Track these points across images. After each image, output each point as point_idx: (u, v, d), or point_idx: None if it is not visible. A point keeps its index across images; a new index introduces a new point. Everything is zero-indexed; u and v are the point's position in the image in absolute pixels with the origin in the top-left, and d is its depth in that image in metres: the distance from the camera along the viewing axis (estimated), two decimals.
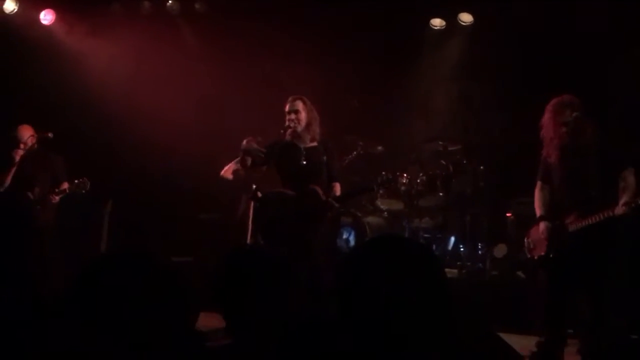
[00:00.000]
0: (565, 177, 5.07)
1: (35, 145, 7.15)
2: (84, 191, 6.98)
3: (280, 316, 2.27)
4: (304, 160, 5.87)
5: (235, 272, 2.28)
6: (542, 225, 5.17)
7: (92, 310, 1.80)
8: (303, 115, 5.91)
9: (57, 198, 7.02)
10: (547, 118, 5.15)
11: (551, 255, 5.08)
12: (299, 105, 5.92)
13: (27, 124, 7.22)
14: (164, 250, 8.09)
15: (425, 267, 1.69)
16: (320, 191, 5.80)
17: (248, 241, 6.81)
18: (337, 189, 5.97)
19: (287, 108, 5.94)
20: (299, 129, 5.89)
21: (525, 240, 5.44)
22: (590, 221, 4.86)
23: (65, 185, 7.05)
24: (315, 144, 5.96)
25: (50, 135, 7.10)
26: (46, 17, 8.91)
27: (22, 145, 7.11)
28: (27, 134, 7.13)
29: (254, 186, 5.96)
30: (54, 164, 7.21)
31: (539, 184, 5.36)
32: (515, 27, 7.92)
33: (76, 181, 6.96)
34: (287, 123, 5.89)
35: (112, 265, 1.91)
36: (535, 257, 5.25)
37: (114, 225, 8.30)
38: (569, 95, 5.15)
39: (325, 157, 5.90)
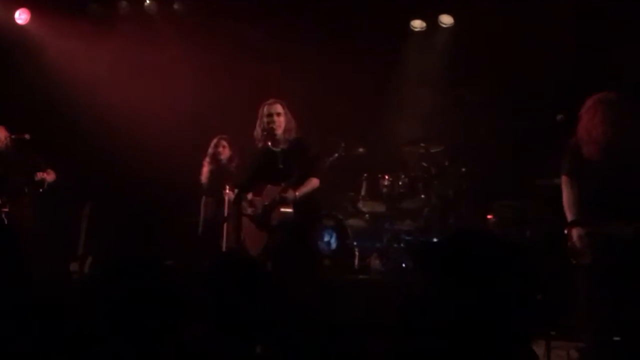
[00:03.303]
0: (610, 177, 4.66)
1: (10, 146, 7.00)
2: (41, 190, 6.84)
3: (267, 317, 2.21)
4: (281, 165, 5.74)
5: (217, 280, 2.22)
6: (576, 233, 4.68)
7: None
8: (283, 119, 5.76)
9: (39, 190, 6.87)
10: (592, 114, 4.74)
11: (596, 267, 4.64)
12: (279, 108, 5.77)
13: (1, 124, 7.07)
14: (145, 254, 7.97)
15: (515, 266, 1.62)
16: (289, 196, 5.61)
17: (224, 243, 6.79)
18: (309, 184, 5.65)
19: (265, 111, 5.77)
20: (278, 132, 5.74)
21: (568, 242, 4.84)
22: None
23: (51, 174, 6.90)
24: (288, 145, 5.79)
25: (27, 136, 6.96)
26: (21, 16, 8.78)
27: None
28: (1, 134, 6.99)
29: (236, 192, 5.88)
30: (29, 161, 7.06)
31: (566, 179, 4.80)
32: (496, 28, 7.93)
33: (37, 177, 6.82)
34: (266, 125, 5.74)
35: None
36: (581, 264, 4.72)
37: (93, 227, 8.17)
38: (615, 92, 4.83)
39: (298, 158, 5.69)
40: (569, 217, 4.75)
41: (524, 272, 1.60)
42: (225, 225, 6.90)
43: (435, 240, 7.41)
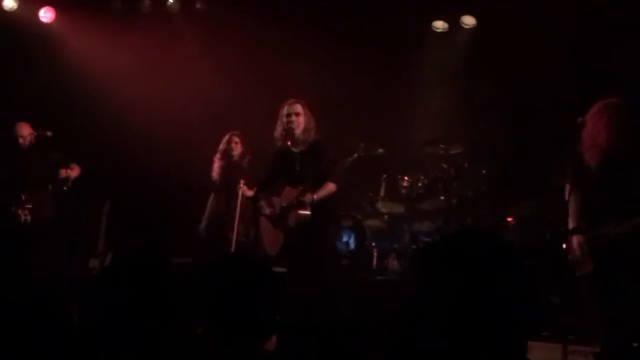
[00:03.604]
0: (605, 182, 4.69)
1: (34, 143, 7.08)
2: (65, 187, 6.90)
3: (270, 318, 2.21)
4: (298, 166, 5.77)
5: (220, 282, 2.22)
6: (575, 240, 4.70)
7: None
8: (302, 119, 5.79)
9: (63, 187, 6.94)
10: (597, 119, 4.75)
11: (598, 271, 4.64)
12: (299, 108, 5.81)
13: (26, 121, 7.15)
14: (162, 252, 8.03)
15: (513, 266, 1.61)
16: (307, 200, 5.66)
17: (234, 238, 6.82)
18: (326, 188, 5.71)
19: (285, 110, 5.80)
20: (297, 132, 5.77)
21: (569, 256, 4.86)
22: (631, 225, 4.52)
23: (75, 169, 6.98)
24: (306, 147, 5.82)
25: (49, 133, 7.02)
26: (46, 14, 8.86)
27: (21, 141, 7.03)
28: (25, 131, 7.06)
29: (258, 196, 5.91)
30: (52, 157, 7.12)
31: (570, 188, 4.83)
32: (518, 29, 7.87)
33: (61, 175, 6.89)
34: (285, 125, 5.77)
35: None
36: (581, 274, 4.74)
37: (112, 225, 8.24)
38: (617, 98, 4.85)
39: (315, 161, 5.74)
40: (570, 226, 4.77)
41: (522, 272, 1.59)
42: (237, 219, 6.91)
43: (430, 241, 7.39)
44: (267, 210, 5.83)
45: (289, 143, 5.83)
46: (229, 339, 2.07)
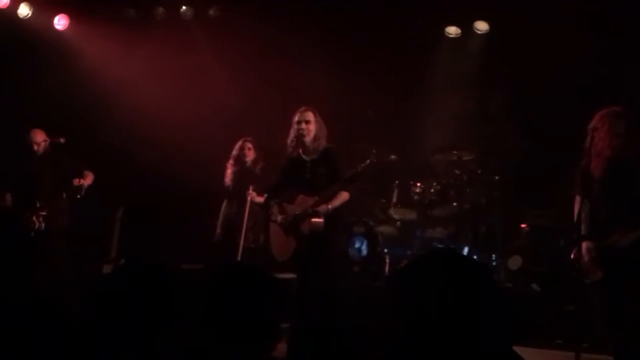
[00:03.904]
0: (610, 192, 4.68)
1: (48, 149, 7.13)
2: (79, 196, 6.94)
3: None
4: (309, 174, 5.81)
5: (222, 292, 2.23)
6: (585, 247, 4.67)
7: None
8: (313, 127, 5.84)
9: (77, 195, 6.97)
10: (599, 128, 4.73)
11: (606, 279, 4.62)
12: (310, 115, 5.85)
13: (40, 128, 7.21)
14: (174, 258, 8.07)
15: (483, 287, 1.63)
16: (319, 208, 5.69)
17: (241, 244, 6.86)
18: (340, 197, 5.77)
19: (296, 118, 5.85)
20: (308, 139, 5.81)
21: (576, 264, 4.78)
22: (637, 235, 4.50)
23: (89, 176, 7.02)
24: (317, 155, 5.86)
25: (62, 140, 7.06)
26: (60, 22, 8.93)
27: (35, 147, 7.09)
28: (39, 138, 7.12)
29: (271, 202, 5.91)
30: (66, 164, 7.17)
31: (578, 198, 4.83)
32: (531, 35, 7.84)
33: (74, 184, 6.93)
34: (296, 133, 5.82)
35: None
36: (590, 282, 4.71)
37: (125, 231, 8.28)
38: (620, 106, 4.82)
39: (326, 169, 5.78)
40: (579, 234, 4.72)
41: (493, 292, 1.61)
42: (244, 225, 6.93)
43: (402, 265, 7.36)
44: (279, 217, 5.84)
45: (300, 150, 5.86)
46: (231, 345, 2.07)
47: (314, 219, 5.66)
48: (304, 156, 5.87)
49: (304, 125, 5.79)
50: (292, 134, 5.88)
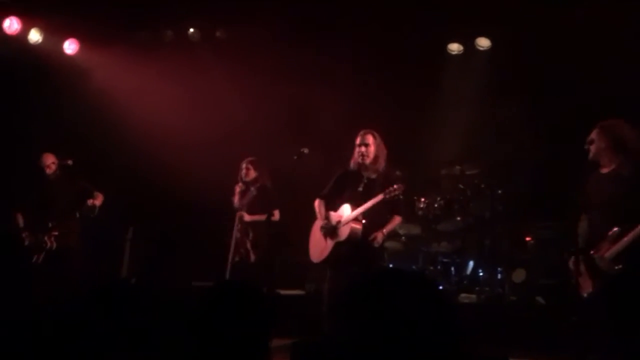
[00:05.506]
0: (607, 203, 4.70)
1: (58, 171, 7.32)
2: (91, 216, 7.13)
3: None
4: (361, 188, 6.08)
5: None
6: (571, 262, 4.76)
7: None
8: (372, 149, 6.13)
9: (90, 216, 7.16)
10: (596, 140, 4.80)
11: (599, 291, 4.66)
12: (370, 139, 6.15)
13: (50, 151, 7.40)
14: (186, 275, 8.20)
15: (429, 302, 1.70)
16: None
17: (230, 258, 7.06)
18: (394, 222, 6.14)
19: (358, 141, 6.16)
20: (367, 161, 6.10)
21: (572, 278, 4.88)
22: (623, 244, 4.52)
23: (99, 197, 7.22)
24: (377, 175, 6.15)
25: (70, 162, 7.27)
26: (70, 46, 9.10)
27: (47, 170, 7.30)
28: (49, 160, 7.32)
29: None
30: (77, 186, 7.37)
31: (583, 215, 4.91)
32: (533, 50, 7.91)
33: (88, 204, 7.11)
34: (356, 155, 6.13)
35: None
36: (585, 295, 4.75)
37: (135, 251, 8.39)
38: (618, 119, 4.87)
39: (380, 190, 5.98)
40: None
41: (442, 308, 1.67)
42: (233, 241, 7.21)
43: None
44: (323, 222, 6.15)
45: (360, 168, 6.19)
46: None
47: (353, 225, 5.98)
48: (363, 172, 6.16)
49: (364, 149, 6.10)
50: (355, 155, 6.19)
